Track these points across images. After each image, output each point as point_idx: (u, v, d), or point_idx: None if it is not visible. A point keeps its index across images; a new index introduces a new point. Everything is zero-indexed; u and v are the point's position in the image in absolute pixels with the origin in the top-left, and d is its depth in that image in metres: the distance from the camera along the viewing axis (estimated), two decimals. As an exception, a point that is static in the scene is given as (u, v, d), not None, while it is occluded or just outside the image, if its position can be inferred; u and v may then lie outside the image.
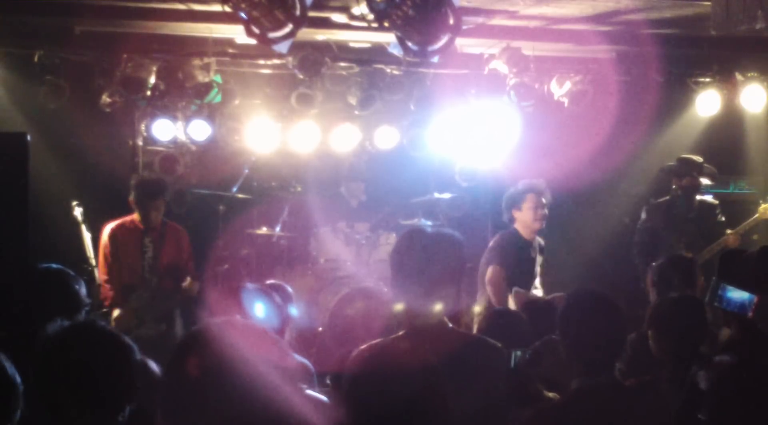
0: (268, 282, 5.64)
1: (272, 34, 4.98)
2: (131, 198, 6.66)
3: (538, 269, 6.54)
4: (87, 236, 6.45)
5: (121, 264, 6.51)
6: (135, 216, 6.66)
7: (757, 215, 6.88)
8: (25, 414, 2.28)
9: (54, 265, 3.85)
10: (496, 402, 2.88)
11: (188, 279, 6.54)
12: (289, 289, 4.70)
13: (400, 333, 3.01)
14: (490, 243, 6.52)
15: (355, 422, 2.23)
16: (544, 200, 6.39)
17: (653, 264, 5.12)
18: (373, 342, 3.00)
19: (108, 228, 6.59)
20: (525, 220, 6.40)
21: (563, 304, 3.25)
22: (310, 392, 2.97)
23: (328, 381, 3.58)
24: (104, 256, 6.55)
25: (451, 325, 2.98)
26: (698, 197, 7.11)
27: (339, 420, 2.78)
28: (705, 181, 7.18)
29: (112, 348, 2.31)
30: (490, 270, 6.24)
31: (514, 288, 5.96)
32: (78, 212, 6.59)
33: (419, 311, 2.92)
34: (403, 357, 2.26)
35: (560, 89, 7.83)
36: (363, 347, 2.95)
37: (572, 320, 3.15)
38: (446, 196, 8.66)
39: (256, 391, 1.83)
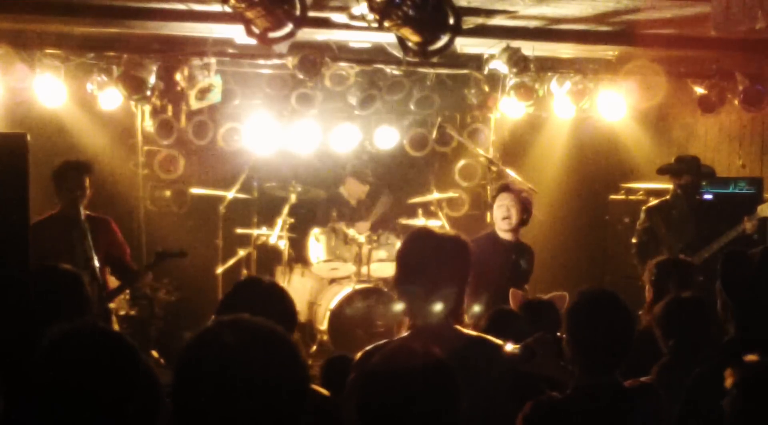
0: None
1: (272, 34, 4.98)
2: (54, 185, 6.05)
3: (525, 273, 6.22)
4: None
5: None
6: (57, 209, 6.12)
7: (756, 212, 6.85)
8: (27, 417, 2.27)
9: (64, 265, 3.82)
10: (498, 400, 2.88)
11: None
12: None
13: (404, 333, 3.02)
14: None
15: (364, 423, 2.23)
16: (515, 201, 6.07)
17: (652, 261, 5.11)
18: (378, 342, 3.01)
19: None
20: (495, 219, 6.26)
21: (571, 301, 3.24)
22: (314, 387, 2.97)
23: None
24: None
25: (455, 325, 3.00)
26: (697, 197, 7.11)
27: (345, 419, 2.78)
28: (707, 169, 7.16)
29: (115, 349, 2.30)
30: None
31: (511, 289, 5.90)
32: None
33: (423, 311, 2.94)
34: (414, 356, 2.25)
35: (560, 89, 7.84)
36: (368, 348, 2.96)
37: (579, 318, 3.14)
38: (446, 195, 8.68)
39: (268, 390, 1.82)
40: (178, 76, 7.33)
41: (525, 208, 6.14)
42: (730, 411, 2.74)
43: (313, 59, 7.29)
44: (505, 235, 6.16)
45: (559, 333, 3.35)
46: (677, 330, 3.85)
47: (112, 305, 6.29)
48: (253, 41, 5.18)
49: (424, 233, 3.15)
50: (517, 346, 3.18)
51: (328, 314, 7.74)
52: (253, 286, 3.27)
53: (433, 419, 2.19)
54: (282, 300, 3.14)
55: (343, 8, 6.04)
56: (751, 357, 2.88)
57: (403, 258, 3.06)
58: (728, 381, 2.82)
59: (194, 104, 7.42)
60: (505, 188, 6.19)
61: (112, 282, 6.33)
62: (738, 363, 2.87)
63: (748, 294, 3.34)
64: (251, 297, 3.09)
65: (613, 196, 8.60)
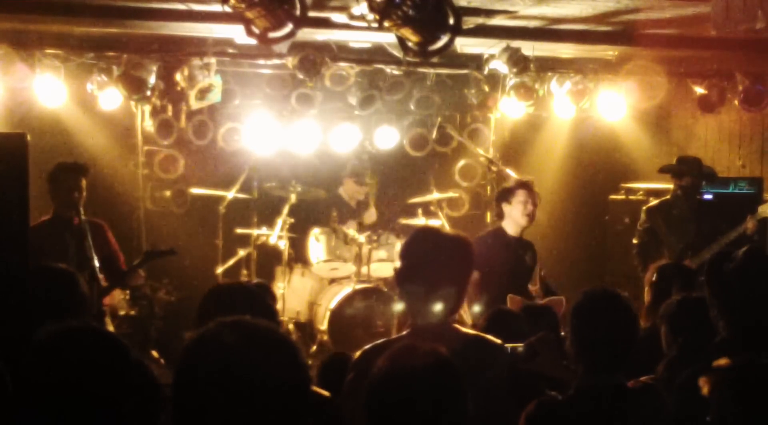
0: (254, 281, 5.61)
1: (272, 34, 4.98)
2: (49, 188, 6.02)
3: (530, 268, 6.29)
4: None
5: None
6: (50, 214, 6.07)
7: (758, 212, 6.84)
8: (20, 418, 2.27)
9: (59, 265, 3.82)
10: (498, 400, 2.88)
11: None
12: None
13: (404, 332, 3.02)
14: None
15: (367, 422, 2.22)
16: (533, 199, 6.23)
17: (655, 264, 5.11)
18: (377, 342, 3.01)
19: None
20: (514, 214, 6.23)
21: (575, 301, 3.23)
22: (314, 388, 2.97)
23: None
24: None
25: (455, 324, 2.99)
26: (697, 197, 7.11)
27: (344, 420, 2.77)
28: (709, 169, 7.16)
29: (107, 349, 2.29)
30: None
31: (509, 295, 5.91)
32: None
33: (423, 310, 2.94)
34: (421, 356, 2.25)
35: (560, 89, 7.84)
36: (367, 347, 2.96)
37: (582, 318, 3.13)
38: (446, 195, 8.67)
39: (268, 391, 1.82)
40: (178, 76, 7.33)
41: (535, 205, 6.28)
42: (712, 418, 2.74)
43: (313, 59, 7.29)
44: (512, 232, 6.24)
45: (563, 333, 3.35)
46: (687, 329, 3.84)
47: (106, 305, 6.29)
48: (253, 41, 5.18)
49: (429, 232, 3.14)
50: (520, 345, 3.17)
51: (328, 314, 7.74)
52: (224, 291, 3.28)
53: (442, 419, 2.18)
54: (259, 299, 3.13)
55: (343, 8, 6.04)
56: (720, 362, 2.88)
57: (406, 256, 3.05)
58: (704, 389, 2.82)
59: (194, 104, 7.42)
60: (523, 185, 6.28)
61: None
62: (710, 370, 2.87)
63: (734, 295, 3.34)
64: (227, 302, 3.07)
65: (613, 196, 8.60)
